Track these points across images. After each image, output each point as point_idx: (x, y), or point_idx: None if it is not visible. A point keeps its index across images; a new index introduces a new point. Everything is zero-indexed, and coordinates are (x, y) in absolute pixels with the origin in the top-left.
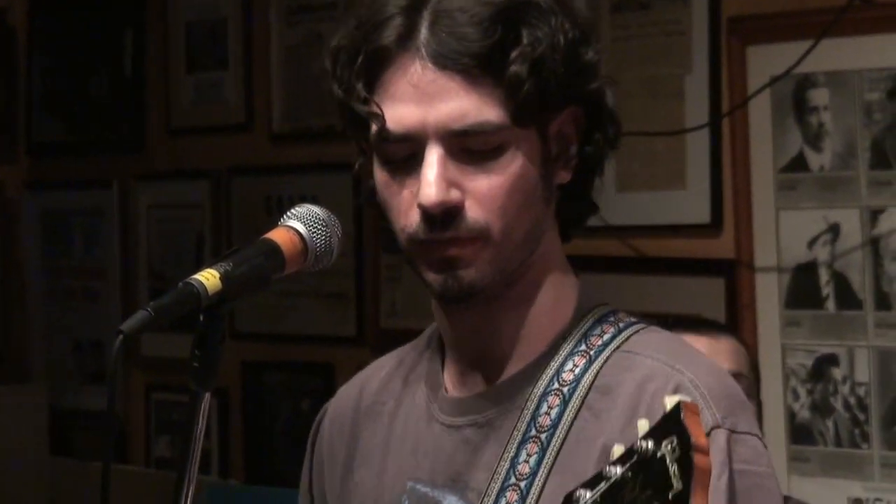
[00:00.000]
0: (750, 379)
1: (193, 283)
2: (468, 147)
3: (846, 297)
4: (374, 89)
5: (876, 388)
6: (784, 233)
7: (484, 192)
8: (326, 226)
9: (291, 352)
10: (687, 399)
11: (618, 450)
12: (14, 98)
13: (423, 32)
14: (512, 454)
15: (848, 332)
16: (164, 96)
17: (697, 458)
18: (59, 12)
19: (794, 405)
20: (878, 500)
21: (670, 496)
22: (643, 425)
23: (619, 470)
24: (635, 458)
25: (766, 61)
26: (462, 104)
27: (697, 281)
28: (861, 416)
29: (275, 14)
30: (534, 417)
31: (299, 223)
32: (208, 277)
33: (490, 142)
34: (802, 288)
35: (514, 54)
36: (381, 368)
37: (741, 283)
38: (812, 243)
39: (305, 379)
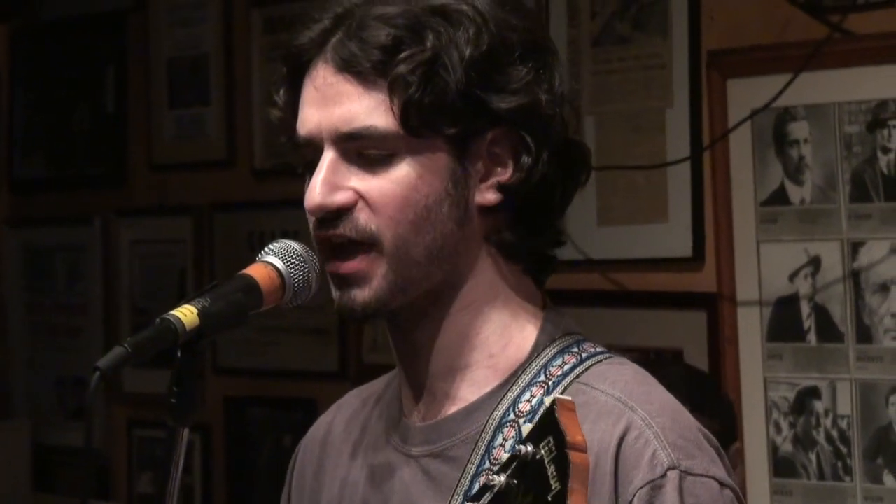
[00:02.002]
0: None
1: (171, 319)
2: (362, 152)
3: (828, 330)
4: (297, 97)
5: (858, 421)
6: (765, 266)
7: (375, 198)
8: (304, 261)
9: (274, 387)
10: (564, 397)
11: (504, 456)
12: None
13: (336, 38)
14: (465, 487)
15: (829, 364)
16: (145, 132)
17: (573, 456)
18: (41, 48)
19: (776, 438)
20: None
21: (549, 498)
22: (526, 429)
23: (503, 478)
24: (516, 463)
25: (747, 95)
26: (352, 108)
27: (679, 315)
28: (843, 449)
29: (256, 50)
30: (488, 449)
31: (277, 259)
32: (186, 313)
33: (381, 148)
34: (784, 321)
35: (402, 56)
36: (357, 396)
37: (723, 316)
38: (793, 276)
39: (288, 414)
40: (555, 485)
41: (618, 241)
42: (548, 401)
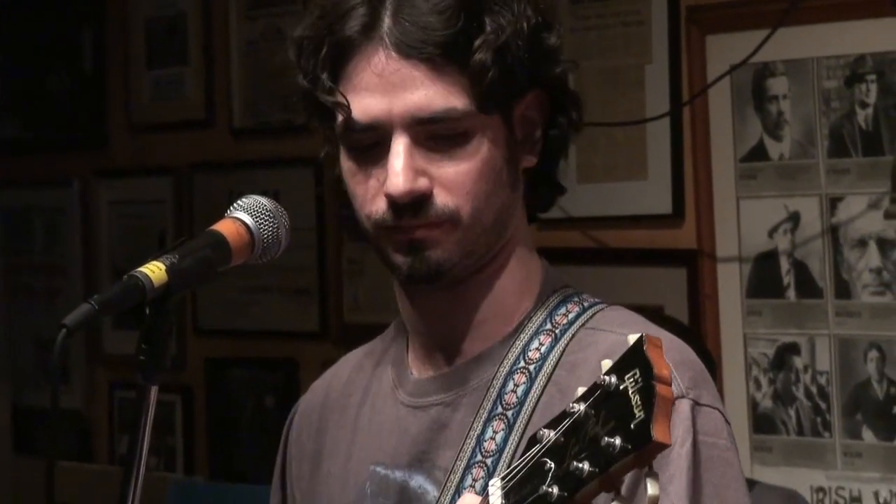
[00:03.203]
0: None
1: (138, 275)
2: (434, 135)
3: (807, 286)
4: (339, 79)
5: (837, 377)
6: (745, 222)
7: (451, 179)
8: (273, 217)
9: (254, 348)
10: (652, 335)
11: (582, 389)
12: None
13: (387, 21)
14: (478, 431)
15: (808, 320)
16: (124, 93)
17: (659, 388)
18: (18, 10)
19: (756, 395)
20: (840, 488)
21: (632, 426)
22: (606, 363)
23: (582, 406)
24: (598, 392)
25: (726, 50)
26: (427, 93)
27: (659, 271)
28: (822, 405)
29: (234, 9)
30: (500, 395)
31: (246, 214)
32: (153, 270)
33: (456, 129)
34: (763, 277)
35: (477, 42)
36: (350, 361)
37: (703, 273)
38: (773, 232)
39: (269, 375)
40: (639, 413)
41: (598, 199)
42: (632, 338)
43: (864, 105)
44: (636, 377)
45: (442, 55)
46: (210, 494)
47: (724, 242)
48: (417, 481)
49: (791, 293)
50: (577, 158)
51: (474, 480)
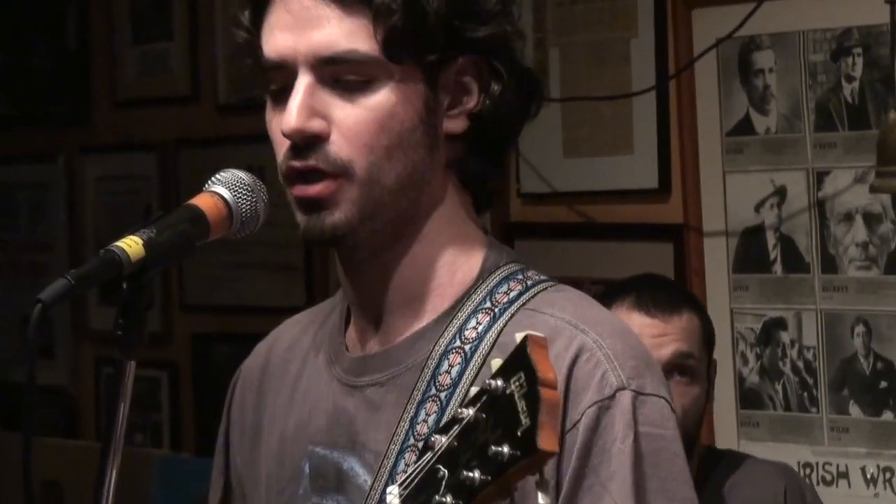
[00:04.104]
0: (699, 358)
1: (115, 250)
2: (340, 77)
3: (793, 261)
4: (262, 20)
5: (824, 352)
6: (731, 196)
7: (349, 126)
8: (252, 191)
9: (240, 324)
10: (536, 333)
11: (473, 390)
12: None
13: None
14: (411, 414)
15: (795, 295)
16: (108, 68)
17: (544, 393)
18: None
19: (743, 370)
20: (827, 464)
21: (519, 433)
22: (496, 363)
23: (471, 411)
24: (485, 397)
25: (712, 24)
26: (332, 32)
27: (646, 246)
28: (810, 380)
29: None
30: (434, 376)
31: (224, 188)
32: (130, 244)
33: (361, 73)
34: (750, 252)
35: None
36: (295, 325)
37: (689, 247)
38: (759, 206)
39: None
40: (525, 420)
41: (584, 173)
42: (519, 337)
43: (850, 79)
44: (521, 381)
45: None
46: (196, 470)
47: (711, 217)
48: (349, 463)
49: (777, 268)
50: (563, 133)
51: (406, 465)
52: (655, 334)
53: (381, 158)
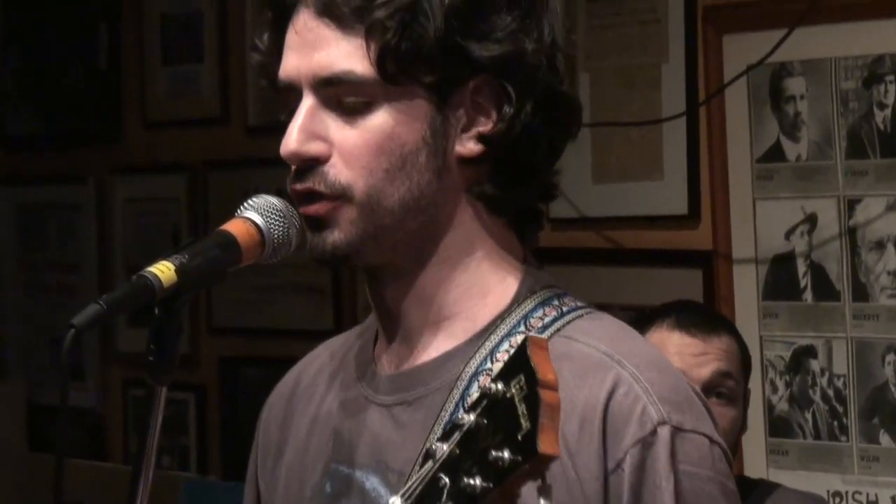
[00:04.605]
0: (738, 380)
1: (147, 275)
2: (341, 99)
3: (824, 288)
4: (282, 42)
5: (854, 380)
6: (761, 223)
7: (348, 148)
8: (284, 217)
9: (268, 347)
10: (536, 335)
11: (474, 395)
12: None
13: None
14: (438, 435)
15: (825, 323)
16: (139, 89)
17: (544, 395)
18: (34, 5)
19: (772, 397)
20: (857, 493)
21: (519, 437)
22: (497, 367)
23: (472, 417)
24: (486, 402)
25: (742, 50)
26: (330, 53)
27: (675, 272)
28: (840, 409)
29: (250, 5)
30: (463, 397)
31: (256, 214)
32: (163, 270)
33: (360, 94)
34: (780, 279)
35: (380, 1)
36: (326, 349)
37: (718, 274)
38: (790, 234)
39: (282, 374)
40: (525, 424)
41: (613, 199)
42: (519, 339)
43: (882, 106)
44: (521, 383)
45: (353, 15)
46: (223, 493)
47: (740, 244)
48: (372, 483)
49: (808, 295)
50: (593, 158)
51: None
52: (695, 353)
53: (381, 181)
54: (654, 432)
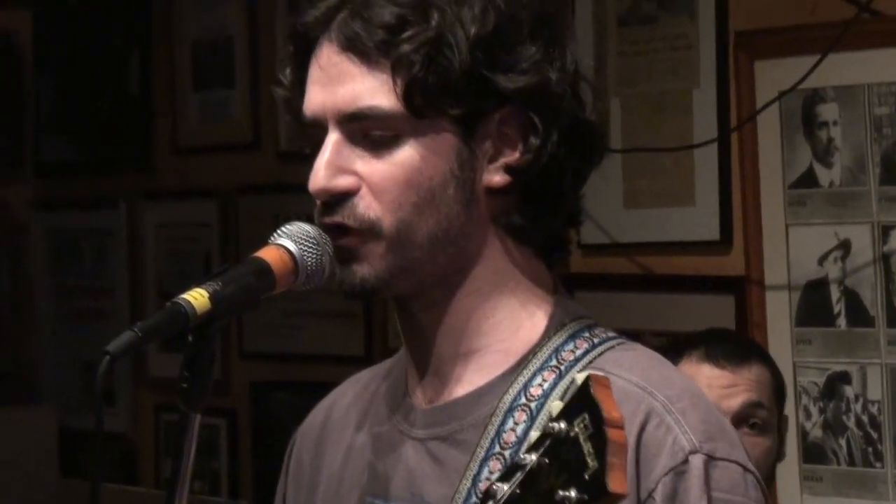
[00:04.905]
0: (769, 409)
1: (181, 302)
2: (368, 133)
3: (858, 314)
4: (305, 76)
5: (889, 407)
6: (794, 249)
7: (376, 182)
8: (317, 244)
9: (299, 372)
10: (598, 373)
11: (534, 435)
12: (21, 118)
13: (341, 16)
14: (474, 472)
15: (860, 349)
16: (170, 115)
17: (611, 433)
18: (65, 32)
19: (806, 424)
20: None
21: (587, 476)
22: (556, 406)
23: (534, 457)
24: (549, 441)
25: (775, 76)
26: (356, 88)
27: (707, 299)
28: (874, 435)
29: (281, 31)
30: (499, 433)
31: (290, 241)
32: (196, 297)
33: (386, 128)
34: (813, 305)
35: (405, 35)
36: (357, 382)
37: (751, 300)
38: (823, 260)
39: (313, 399)
40: (592, 462)
41: (644, 224)
42: (580, 377)
43: None
44: (585, 422)
45: (378, 50)
46: None
47: (773, 270)
48: None
49: (842, 321)
50: (624, 184)
51: None
52: (725, 385)
53: (410, 214)
54: (685, 461)
